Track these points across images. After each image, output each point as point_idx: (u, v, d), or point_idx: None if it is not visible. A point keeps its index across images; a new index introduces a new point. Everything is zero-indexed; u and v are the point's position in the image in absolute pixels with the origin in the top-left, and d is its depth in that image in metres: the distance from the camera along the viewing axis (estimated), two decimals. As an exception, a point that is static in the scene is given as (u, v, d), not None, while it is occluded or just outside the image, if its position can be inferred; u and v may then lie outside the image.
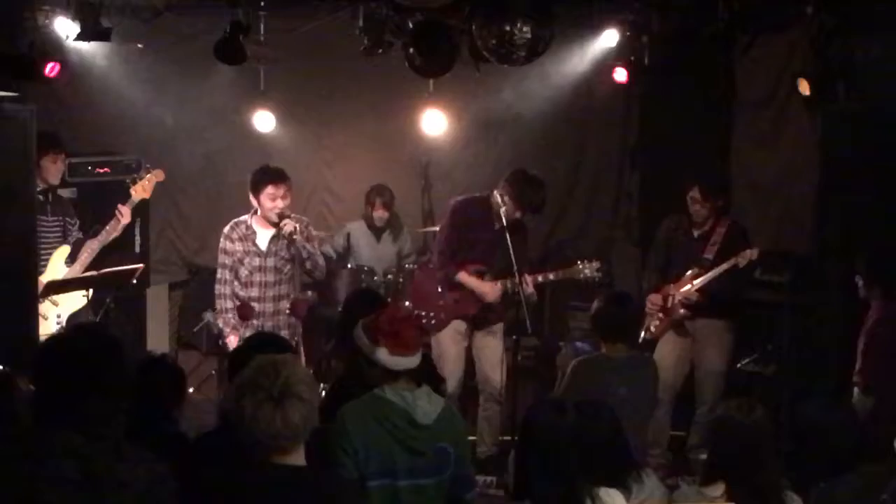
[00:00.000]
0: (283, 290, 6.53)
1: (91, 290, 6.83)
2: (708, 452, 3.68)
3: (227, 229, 6.54)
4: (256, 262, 6.47)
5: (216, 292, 6.54)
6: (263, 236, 6.48)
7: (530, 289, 6.52)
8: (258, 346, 3.86)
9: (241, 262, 6.46)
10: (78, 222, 7.10)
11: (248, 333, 6.46)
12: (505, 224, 6.41)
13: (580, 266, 6.68)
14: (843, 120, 6.67)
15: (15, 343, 5.69)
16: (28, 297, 6.43)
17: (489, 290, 6.63)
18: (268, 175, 6.45)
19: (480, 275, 6.68)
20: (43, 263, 6.82)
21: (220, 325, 6.53)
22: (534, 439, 3.36)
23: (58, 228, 6.99)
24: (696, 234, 6.85)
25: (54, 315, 6.73)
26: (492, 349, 6.78)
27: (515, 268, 6.32)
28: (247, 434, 2.87)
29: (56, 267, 6.88)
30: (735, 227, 6.86)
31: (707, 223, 6.81)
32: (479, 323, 6.80)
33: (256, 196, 6.46)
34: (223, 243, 6.52)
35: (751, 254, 6.54)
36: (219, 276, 6.55)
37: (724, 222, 6.82)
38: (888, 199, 6.39)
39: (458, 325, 6.77)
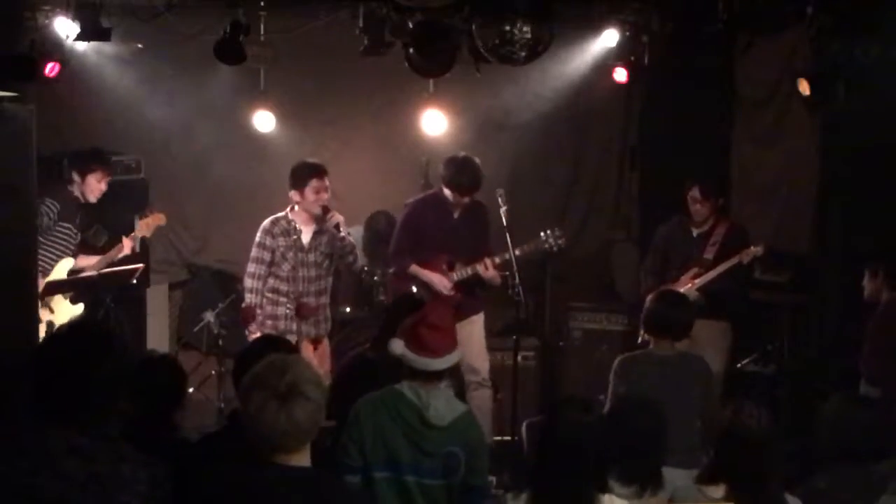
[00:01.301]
0: (323, 284, 6.60)
1: (84, 302, 6.93)
2: (714, 453, 3.65)
3: (267, 224, 6.54)
4: (299, 257, 6.50)
5: (247, 286, 6.52)
6: (306, 232, 6.53)
7: (490, 272, 6.60)
8: (262, 349, 3.86)
9: (283, 256, 6.48)
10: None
11: (293, 326, 6.46)
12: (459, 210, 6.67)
13: (543, 237, 6.74)
14: (843, 120, 6.67)
15: (15, 343, 5.69)
16: (28, 297, 6.44)
17: (437, 279, 6.74)
18: (312, 168, 6.53)
19: (451, 265, 6.76)
20: (49, 267, 6.88)
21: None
22: (555, 435, 3.35)
23: (73, 239, 7.04)
24: (695, 233, 6.86)
25: (47, 322, 6.72)
26: (475, 339, 6.82)
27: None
28: (253, 432, 2.87)
29: (57, 276, 6.93)
30: (735, 227, 6.87)
31: (707, 223, 6.83)
32: (460, 315, 6.83)
33: (300, 189, 6.47)
34: (262, 238, 6.50)
35: (755, 251, 6.55)
36: (252, 270, 6.52)
37: (724, 223, 6.85)
38: (888, 199, 6.40)
39: None
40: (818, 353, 6.93)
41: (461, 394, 6.78)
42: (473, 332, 6.85)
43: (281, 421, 2.82)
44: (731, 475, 3.52)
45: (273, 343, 4.18)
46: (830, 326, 6.83)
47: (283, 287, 6.49)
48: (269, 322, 6.47)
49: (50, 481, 2.81)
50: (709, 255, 6.73)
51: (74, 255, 7.03)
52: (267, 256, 6.49)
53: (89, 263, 7.04)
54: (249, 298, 6.51)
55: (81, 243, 7.15)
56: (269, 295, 6.50)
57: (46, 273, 6.87)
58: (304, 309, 6.36)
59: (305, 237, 6.52)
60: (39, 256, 6.77)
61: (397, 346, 3.89)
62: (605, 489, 3.43)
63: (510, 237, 6.46)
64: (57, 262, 6.92)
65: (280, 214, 6.57)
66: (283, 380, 2.84)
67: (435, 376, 3.90)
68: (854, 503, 3.69)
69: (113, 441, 2.92)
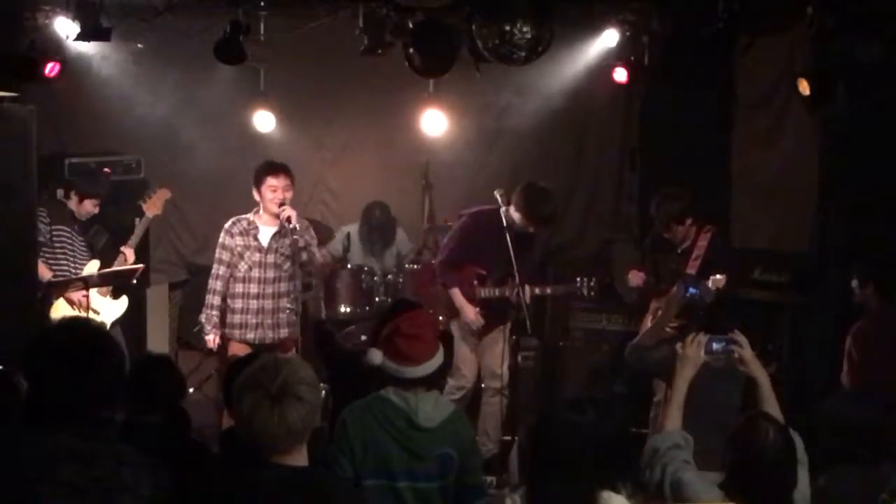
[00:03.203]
0: (283, 287, 6.55)
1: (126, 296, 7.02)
2: (727, 468, 3.54)
3: (227, 224, 6.58)
4: (256, 257, 6.49)
5: (208, 287, 6.59)
6: (265, 232, 6.52)
7: (527, 300, 6.55)
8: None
9: (240, 256, 6.48)
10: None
11: (248, 334, 6.49)
12: (512, 231, 6.48)
13: (578, 283, 6.86)
14: (843, 120, 6.67)
15: (15, 343, 5.68)
16: (28, 297, 6.44)
17: (471, 315, 6.79)
18: (267, 167, 6.54)
19: (482, 279, 6.78)
20: (65, 272, 6.93)
21: (202, 320, 6.57)
22: (550, 437, 3.32)
23: (85, 246, 7.07)
24: (679, 249, 6.81)
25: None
26: (498, 345, 6.84)
27: (516, 272, 6.37)
28: (246, 433, 2.86)
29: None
30: (717, 238, 6.78)
31: (688, 237, 6.76)
32: (487, 328, 6.87)
33: (258, 189, 6.50)
34: (222, 238, 6.54)
35: (718, 281, 6.42)
36: (213, 270, 6.59)
37: (704, 235, 6.73)
38: (888, 199, 6.39)
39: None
40: (818, 354, 6.93)
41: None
42: (497, 337, 6.87)
43: (273, 422, 2.81)
44: (742, 491, 3.46)
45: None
46: (830, 326, 6.82)
47: (239, 288, 6.50)
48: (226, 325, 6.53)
49: (49, 488, 2.76)
50: (691, 269, 6.64)
51: (90, 257, 7.06)
52: (226, 256, 6.52)
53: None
54: (207, 299, 6.56)
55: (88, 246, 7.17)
56: (227, 300, 6.53)
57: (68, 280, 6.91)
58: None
59: (264, 238, 6.51)
60: (51, 265, 6.82)
61: (376, 356, 3.89)
62: (605, 487, 3.39)
63: (510, 237, 6.46)
64: (65, 267, 6.93)
65: (244, 215, 6.59)
66: (276, 381, 2.83)
67: (419, 382, 3.90)
68: (854, 502, 3.69)
69: (112, 444, 2.88)
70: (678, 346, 4.37)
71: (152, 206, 7.13)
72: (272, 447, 2.87)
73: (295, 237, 6.43)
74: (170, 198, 7.29)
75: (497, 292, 6.72)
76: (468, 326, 6.85)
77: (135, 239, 7.08)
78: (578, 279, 6.88)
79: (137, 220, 7.11)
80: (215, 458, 3.64)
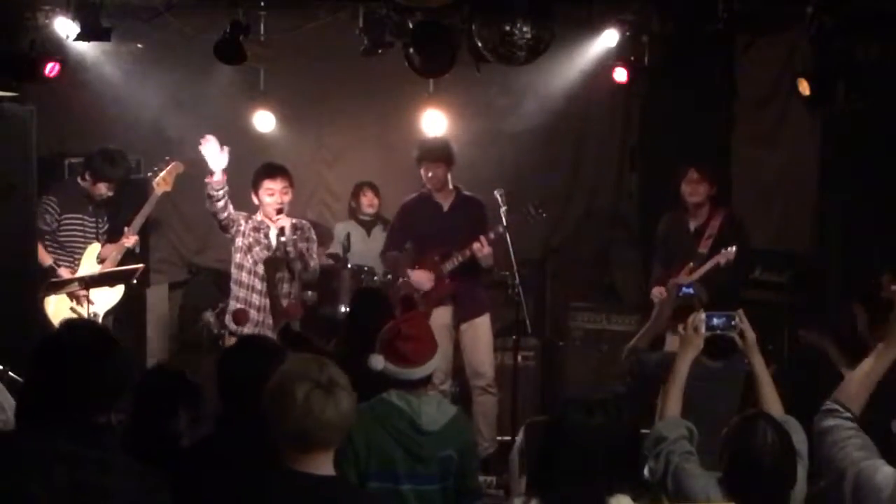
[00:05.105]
0: (287, 288, 6.57)
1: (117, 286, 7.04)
2: (723, 471, 3.47)
3: (245, 214, 6.61)
4: (264, 254, 6.52)
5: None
6: (273, 231, 6.55)
7: (486, 250, 6.60)
8: (248, 350, 3.82)
9: (249, 248, 6.51)
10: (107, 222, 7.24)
11: (246, 330, 6.48)
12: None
13: (524, 211, 6.82)
14: (843, 120, 6.67)
15: (14, 342, 5.69)
16: (28, 297, 6.45)
17: (423, 278, 6.84)
18: (264, 170, 6.58)
19: (444, 256, 6.82)
20: (70, 259, 6.98)
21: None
22: (561, 439, 3.31)
23: (93, 227, 7.08)
24: (692, 227, 6.85)
25: (90, 313, 6.72)
26: (481, 341, 6.85)
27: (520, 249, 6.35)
28: (292, 428, 2.80)
29: (87, 265, 6.98)
30: (730, 218, 6.85)
31: (702, 213, 6.80)
32: (463, 315, 6.85)
33: (256, 192, 6.52)
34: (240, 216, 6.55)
35: (728, 252, 6.50)
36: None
37: (718, 215, 6.83)
38: (888, 199, 6.39)
39: (441, 318, 6.79)
40: (818, 354, 6.92)
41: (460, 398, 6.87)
42: (478, 335, 6.86)
43: (329, 410, 2.78)
44: (741, 491, 3.43)
45: (258, 344, 4.07)
46: (830, 326, 6.81)
47: (244, 278, 6.53)
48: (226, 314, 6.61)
49: (37, 490, 2.74)
50: (703, 248, 6.72)
51: (102, 241, 7.10)
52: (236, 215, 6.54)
53: (109, 253, 7.06)
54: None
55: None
56: (233, 287, 6.58)
57: (72, 266, 6.91)
58: (240, 315, 6.39)
59: (272, 237, 6.54)
60: (56, 252, 6.85)
61: (378, 361, 3.90)
62: (615, 491, 3.37)
63: (510, 237, 6.47)
64: (70, 255, 6.95)
65: (253, 215, 6.64)
66: (324, 373, 2.82)
67: (420, 383, 3.93)
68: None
69: (104, 449, 2.83)
70: (679, 327, 4.31)
71: (163, 183, 7.11)
72: (324, 439, 2.82)
73: (288, 249, 6.45)
74: (182, 171, 7.22)
75: (461, 256, 6.72)
76: (440, 318, 6.79)
77: (140, 219, 7.07)
78: (525, 207, 6.83)
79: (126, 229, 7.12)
80: (214, 462, 3.55)
